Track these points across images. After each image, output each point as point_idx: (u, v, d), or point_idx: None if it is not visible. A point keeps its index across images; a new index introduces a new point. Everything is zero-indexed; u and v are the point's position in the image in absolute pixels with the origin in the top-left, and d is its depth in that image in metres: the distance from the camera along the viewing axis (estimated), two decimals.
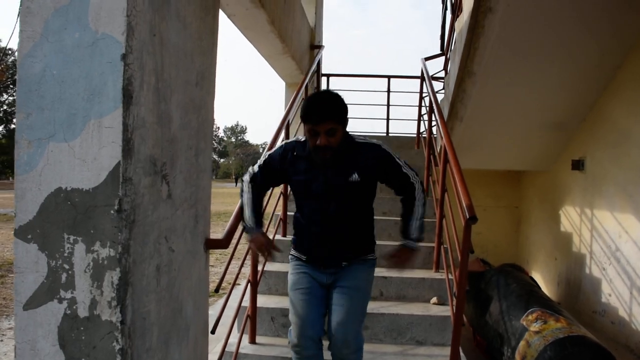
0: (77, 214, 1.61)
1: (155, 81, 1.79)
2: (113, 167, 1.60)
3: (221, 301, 3.00)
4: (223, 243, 2.49)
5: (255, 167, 2.75)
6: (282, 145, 2.72)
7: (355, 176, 2.53)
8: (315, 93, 2.53)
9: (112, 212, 1.60)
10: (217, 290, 2.68)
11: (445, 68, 6.68)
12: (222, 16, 4.74)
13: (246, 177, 2.75)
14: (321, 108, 2.41)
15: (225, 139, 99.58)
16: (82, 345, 1.60)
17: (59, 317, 1.61)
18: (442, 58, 6.86)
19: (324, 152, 2.44)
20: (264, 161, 2.72)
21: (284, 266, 4.02)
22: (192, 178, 2.18)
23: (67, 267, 1.61)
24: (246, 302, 3.34)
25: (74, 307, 1.60)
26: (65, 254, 1.60)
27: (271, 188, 2.95)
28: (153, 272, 1.81)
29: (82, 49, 1.61)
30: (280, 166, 2.65)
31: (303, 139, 2.62)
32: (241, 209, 2.76)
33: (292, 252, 2.78)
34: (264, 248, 2.62)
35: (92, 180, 1.61)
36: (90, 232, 1.60)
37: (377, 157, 2.57)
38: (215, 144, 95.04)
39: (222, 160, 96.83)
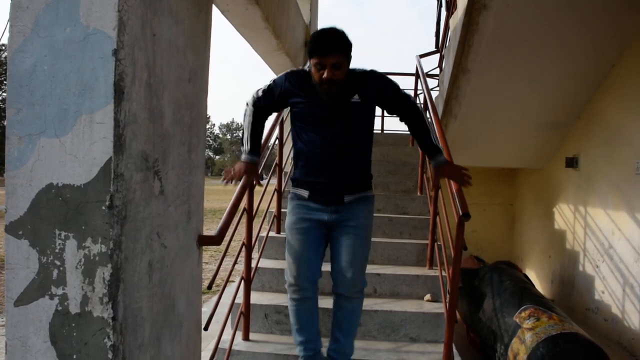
0: (69, 210, 1.60)
1: (147, 77, 1.79)
2: (104, 162, 1.59)
3: (215, 298, 2.99)
4: (216, 240, 2.48)
5: (260, 92, 2.76)
6: (287, 72, 2.77)
7: (356, 97, 2.63)
8: (323, 28, 2.57)
9: (103, 208, 1.59)
10: (210, 287, 2.67)
11: (440, 65, 6.68)
12: (219, 13, 4.74)
13: (249, 100, 2.79)
14: (329, 41, 2.48)
15: (220, 135, 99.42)
16: (74, 342, 1.60)
17: (50, 313, 1.60)
18: (437, 55, 6.87)
19: (330, 86, 2.52)
20: (268, 86, 2.75)
21: (279, 263, 4.02)
22: (184, 174, 2.18)
23: (58, 263, 1.60)
24: (239, 299, 3.33)
25: (65, 303, 1.60)
26: (57, 250, 1.60)
27: (272, 113, 2.97)
28: (145, 268, 1.81)
29: (73, 44, 1.60)
30: (283, 89, 2.69)
31: (304, 69, 2.71)
32: (242, 132, 2.83)
33: (293, 190, 2.80)
34: (251, 174, 2.74)
35: (84, 176, 1.60)
36: (82, 228, 1.60)
37: (377, 81, 2.69)
38: (210, 140, 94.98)
39: (217, 157, 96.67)
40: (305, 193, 2.71)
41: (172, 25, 1.99)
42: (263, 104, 2.75)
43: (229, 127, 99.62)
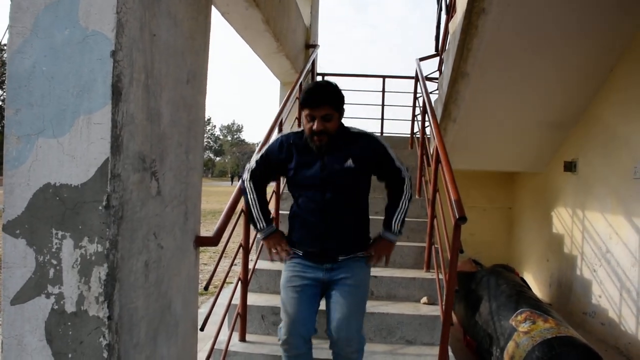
0: (66, 210, 1.61)
1: (145, 78, 1.80)
2: (102, 163, 1.61)
3: (212, 299, 3.00)
4: (213, 240, 2.50)
5: (253, 163, 2.78)
6: (278, 138, 2.77)
7: (350, 162, 2.60)
8: (315, 81, 2.66)
9: (100, 208, 1.60)
10: (206, 287, 2.68)
11: (439, 69, 6.70)
12: (219, 15, 4.76)
13: (246, 176, 2.80)
14: (319, 93, 2.51)
15: (221, 137, 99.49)
16: (69, 340, 1.61)
17: (46, 312, 1.61)
18: (437, 59, 6.89)
19: (320, 137, 2.52)
20: (261, 156, 2.76)
21: (276, 264, 4.02)
22: (182, 175, 2.19)
23: (55, 262, 1.61)
24: (236, 300, 3.35)
25: (62, 302, 1.61)
26: (53, 250, 1.61)
27: (270, 182, 3.00)
28: (141, 268, 1.82)
29: (72, 46, 1.62)
30: (278, 156, 2.70)
31: (299, 130, 2.71)
32: (248, 210, 2.87)
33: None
34: (278, 246, 2.73)
35: (81, 176, 1.62)
36: (79, 228, 1.61)
37: (372, 148, 2.66)
38: (211, 142, 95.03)
39: (218, 158, 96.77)
40: (299, 252, 2.70)
41: (171, 27, 2.01)
42: (260, 174, 2.77)
43: (229, 129, 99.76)
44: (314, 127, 2.50)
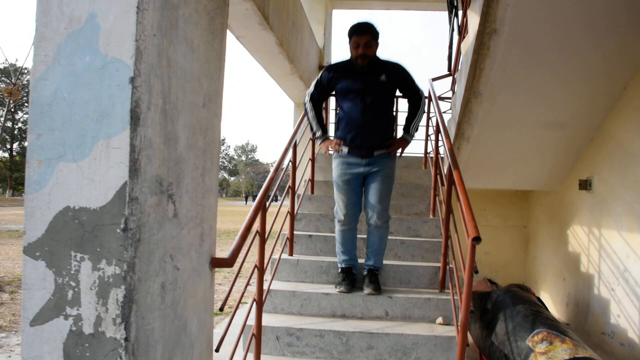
0: (84, 232, 1.65)
1: (162, 103, 1.84)
2: (120, 186, 1.64)
3: (227, 320, 3.01)
4: (228, 262, 2.51)
5: (311, 89, 3.95)
6: (327, 67, 4.00)
7: (383, 77, 3.77)
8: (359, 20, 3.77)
9: (118, 230, 1.64)
10: (221, 308, 2.69)
11: (452, 88, 6.72)
12: (234, 39, 4.83)
13: (306, 99, 3.97)
14: (363, 26, 3.68)
15: (235, 157, 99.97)
16: None
17: (64, 333, 1.64)
18: (450, 78, 6.91)
19: (363, 59, 3.68)
20: (317, 82, 3.93)
21: (291, 285, 4.04)
22: (198, 197, 2.22)
23: (73, 284, 1.64)
24: (251, 321, 3.34)
25: (79, 323, 1.64)
26: (72, 271, 1.64)
27: (326, 99, 4.35)
28: (158, 290, 1.84)
29: (92, 72, 1.67)
30: (328, 79, 3.88)
31: (343, 60, 3.90)
32: (310, 125, 4.04)
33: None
34: (333, 145, 3.91)
35: (100, 200, 1.65)
36: (97, 250, 1.64)
37: (399, 70, 3.87)
38: (225, 162, 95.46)
39: (232, 178, 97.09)
40: (345, 150, 3.85)
41: (187, 53, 2.05)
42: (318, 95, 3.94)
43: (244, 149, 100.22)
44: (360, 51, 3.65)
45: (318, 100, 3.94)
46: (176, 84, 1.96)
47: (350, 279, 3.95)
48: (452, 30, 6.87)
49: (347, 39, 3.79)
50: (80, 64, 1.67)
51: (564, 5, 4.11)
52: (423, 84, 4.30)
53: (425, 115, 6.57)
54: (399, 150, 4.00)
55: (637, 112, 4.87)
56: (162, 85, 1.84)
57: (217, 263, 2.46)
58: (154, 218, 1.80)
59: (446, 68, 7.14)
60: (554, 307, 6.77)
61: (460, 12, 6.12)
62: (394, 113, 4.05)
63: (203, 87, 2.24)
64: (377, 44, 3.71)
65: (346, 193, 3.86)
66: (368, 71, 3.73)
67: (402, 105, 11.66)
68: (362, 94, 3.72)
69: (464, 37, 5.53)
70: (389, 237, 4.43)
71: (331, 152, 4.04)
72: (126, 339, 1.63)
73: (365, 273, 3.98)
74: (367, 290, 3.86)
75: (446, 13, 7.17)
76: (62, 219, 1.66)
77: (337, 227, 3.96)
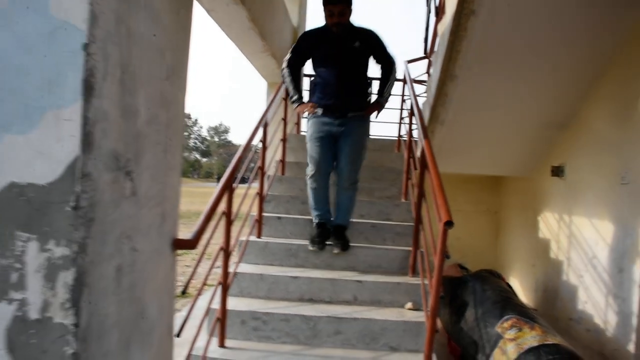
0: (31, 211, 1.52)
1: (120, 73, 1.71)
2: (71, 161, 1.52)
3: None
4: (191, 243, 2.40)
5: (288, 55, 4.16)
6: (303, 33, 4.30)
7: (357, 43, 4.00)
8: None
9: (68, 209, 1.51)
10: (184, 292, 2.60)
11: (428, 71, 6.65)
12: (205, 13, 4.67)
13: (284, 65, 4.17)
14: None
15: (208, 138, 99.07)
16: (32, 349, 1.51)
17: (8, 319, 1.51)
18: (426, 61, 6.85)
19: (337, 26, 3.89)
20: (294, 47, 4.16)
21: (259, 268, 3.95)
22: (159, 175, 2.10)
23: (18, 266, 1.52)
24: (216, 304, 3.25)
25: (25, 308, 1.52)
26: (17, 253, 1.51)
27: (303, 64, 4.38)
28: (113, 273, 1.73)
29: (41, 37, 1.52)
30: (306, 45, 4.12)
31: (318, 27, 4.09)
32: (286, 90, 4.24)
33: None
34: (309, 108, 4.07)
35: (48, 175, 1.52)
36: (45, 230, 1.52)
37: (372, 37, 4.08)
38: (198, 143, 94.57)
39: (204, 159, 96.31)
40: (320, 111, 4.04)
41: (150, 22, 1.92)
42: (294, 61, 4.16)
43: (216, 130, 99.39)
44: (334, 19, 3.84)
45: (294, 65, 4.14)
46: (137, 53, 1.83)
47: (325, 234, 4.14)
48: (429, 11, 6.79)
49: (321, 8, 3.86)
50: (28, 27, 1.53)
51: None
52: (399, 67, 4.25)
53: (400, 99, 6.51)
54: (374, 114, 4.19)
55: (612, 101, 4.87)
56: (120, 54, 1.70)
57: (179, 245, 2.34)
58: (110, 196, 1.68)
59: (422, 50, 7.06)
60: (523, 293, 6.83)
61: None
62: (368, 80, 4.27)
63: (166, 58, 2.11)
64: (350, 10, 3.90)
65: (318, 149, 4.00)
66: (343, 37, 3.94)
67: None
68: (337, 59, 3.97)
69: (441, 19, 5.45)
70: (359, 220, 4.44)
71: (306, 116, 4.32)
72: (76, 325, 1.52)
73: (332, 230, 4.18)
74: (335, 250, 4.09)
75: None
76: (6, 195, 1.52)
77: (309, 185, 4.12)
